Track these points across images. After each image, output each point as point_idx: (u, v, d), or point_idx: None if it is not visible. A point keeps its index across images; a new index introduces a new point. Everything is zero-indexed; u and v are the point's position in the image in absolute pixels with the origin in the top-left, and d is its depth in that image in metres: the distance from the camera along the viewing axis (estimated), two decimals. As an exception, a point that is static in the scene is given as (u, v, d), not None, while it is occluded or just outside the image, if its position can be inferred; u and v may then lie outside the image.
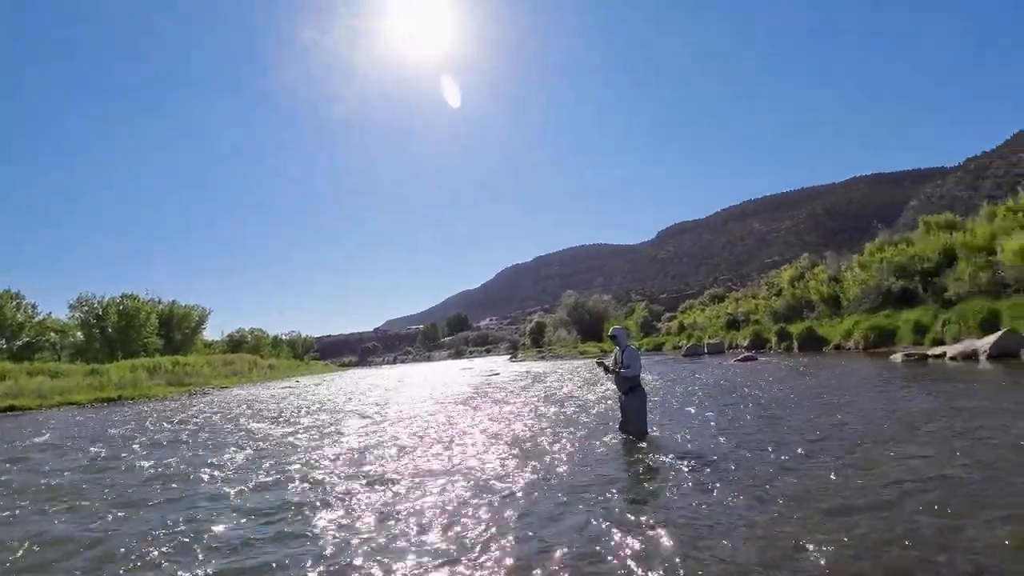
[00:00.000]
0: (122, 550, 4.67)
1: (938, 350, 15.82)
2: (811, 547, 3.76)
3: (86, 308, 54.97)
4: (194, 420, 15.53)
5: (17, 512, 6.20)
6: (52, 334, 51.39)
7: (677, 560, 3.76)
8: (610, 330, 8.53)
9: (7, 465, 9.46)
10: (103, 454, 10.05)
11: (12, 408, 22.95)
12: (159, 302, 61.67)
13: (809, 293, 29.66)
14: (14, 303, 46.82)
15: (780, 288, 34.52)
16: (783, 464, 5.94)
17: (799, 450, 6.43)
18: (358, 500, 5.80)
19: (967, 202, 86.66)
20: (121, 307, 55.82)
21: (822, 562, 3.54)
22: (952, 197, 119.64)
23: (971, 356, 14.10)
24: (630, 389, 7.91)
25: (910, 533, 3.85)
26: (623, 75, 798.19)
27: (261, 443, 10.15)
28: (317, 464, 7.79)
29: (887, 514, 4.23)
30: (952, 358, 14.59)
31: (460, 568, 3.91)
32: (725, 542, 4.01)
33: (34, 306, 49.17)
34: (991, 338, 13.94)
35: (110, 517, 5.74)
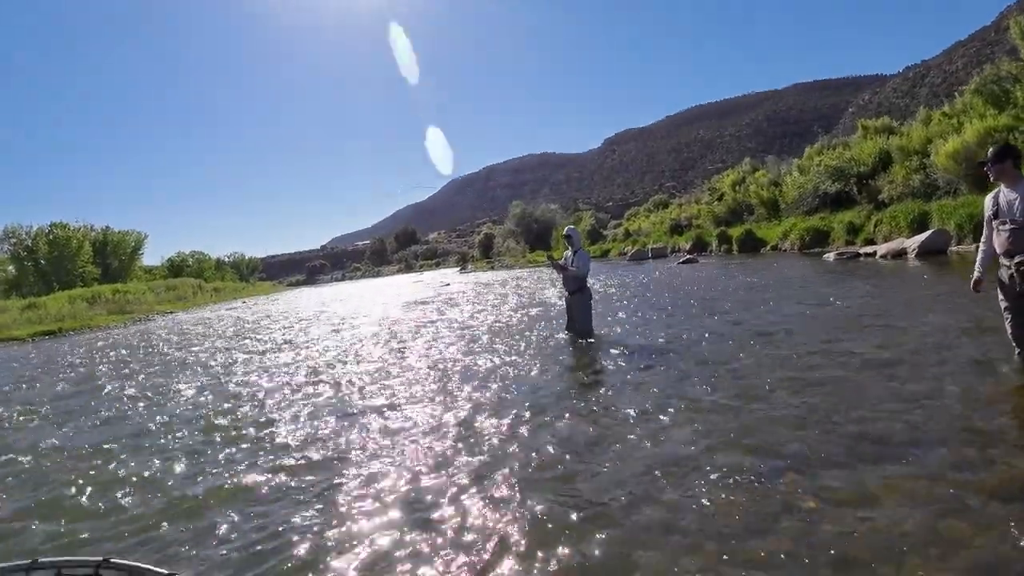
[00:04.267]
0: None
1: (869, 249, 16.40)
2: (748, 423, 4.12)
3: (14, 240, 52.42)
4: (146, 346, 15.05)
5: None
6: None
7: (616, 443, 4.06)
8: (564, 229, 8.79)
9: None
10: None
11: None
12: (91, 229, 58.64)
13: (750, 197, 30.13)
14: None
15: (722, 193, 34.93)
16: (717, 351, 6.44)
17: (729, 341, 6.92)
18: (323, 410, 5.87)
19: (904, 110, 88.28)
20: (51, 236, 53.15)
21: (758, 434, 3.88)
22: (890, 104, 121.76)
23: (900, 254, 14.66)
24: (577, 290, 8.21)
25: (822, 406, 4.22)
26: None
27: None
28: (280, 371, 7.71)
29: (801, 391, 4.69)
30: (882, 256, 15.15)
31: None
32: (663, 418, 4.46)
33: None
34: (920, 237, 14.47)
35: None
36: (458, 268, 77.54)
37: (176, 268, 77.78)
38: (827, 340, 6.20)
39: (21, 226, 52.58)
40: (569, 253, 8.31)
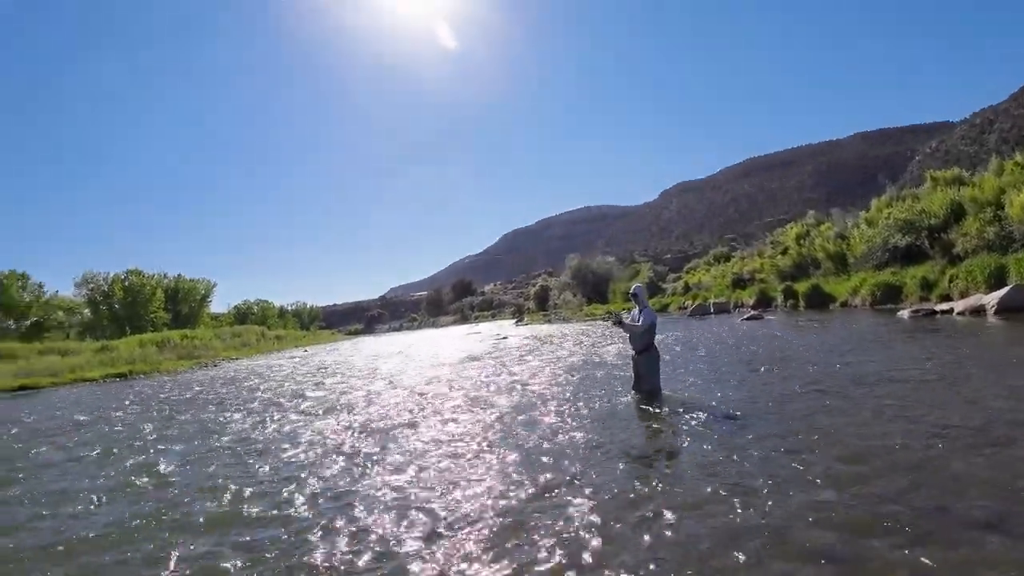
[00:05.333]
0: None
1: (945, 306, 15.92)
2: (822, 491, 4.01)
3: (92, 285, 55.44)
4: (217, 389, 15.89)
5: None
6: (60, 312, 51.80)
7: (694, 508, 4.00)
8: (632, 287, 8.50)
9: (102, 427, 9.78)
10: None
11: (24, 387, 22.92)
12: (164, 277, 62.00)
13: (815, 251, 29.62)
14: (20, 283, 46.94)
15: (786, 246, 34.44)
16: (793, 414, 6.23)
17: (809, 402, 6.71)
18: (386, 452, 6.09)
19: (973, 157, 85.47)
20: (126, 283, 56.21)
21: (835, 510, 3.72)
22: (958, 151, 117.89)
23: (979, 311, 14.20)
24: (644, 348, 7.98)
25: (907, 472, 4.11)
26: (624, 36, 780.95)
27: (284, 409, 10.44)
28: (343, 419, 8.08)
29: (891, 458, 4.53)
30: (960, 313, 14.69)
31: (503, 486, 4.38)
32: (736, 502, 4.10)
33: (40, 285, 49.54)
34: (998, 293, 14.01)
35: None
36: (514, 320, 77.74)
37: (242, 315, 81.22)
38: (916, 409, 5.89)
39: (99, 273, 56.07)
40: (636, 311, 8.14)
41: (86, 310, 55.28)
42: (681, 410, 7.05)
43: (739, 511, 3.84)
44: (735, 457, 4.96)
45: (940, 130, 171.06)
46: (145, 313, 55.73)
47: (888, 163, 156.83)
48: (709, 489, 4.28)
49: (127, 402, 14.54)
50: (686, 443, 5.66)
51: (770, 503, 3.91)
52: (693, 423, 6.36)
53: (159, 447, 8.01)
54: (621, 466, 5.15)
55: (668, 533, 3.65)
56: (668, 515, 3.90)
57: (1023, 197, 16.31)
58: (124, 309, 55.12)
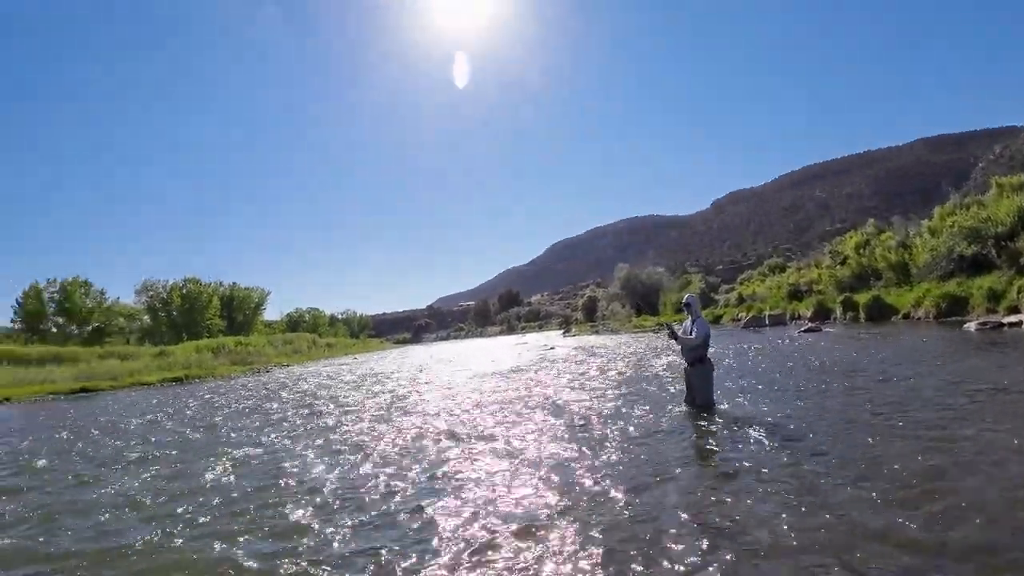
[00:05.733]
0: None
1: (1013, 318, 15.40)
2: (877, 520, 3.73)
3: (151, 293, 57.83)
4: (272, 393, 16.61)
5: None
6: (120, 319, 53.88)
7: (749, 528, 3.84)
8: (685, 297, 8.32)
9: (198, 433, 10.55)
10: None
11: (84, 389, 23.89)
12: (220, 285, 64.37)
13: (876, 261, 28.84)
14: (82, 290, 49.24)
15: (845, 256, 33.60)
16: (855, 435, 5.82)
17: (874, 422, 6.32)
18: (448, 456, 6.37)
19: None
20: (184, 291, 58.48)
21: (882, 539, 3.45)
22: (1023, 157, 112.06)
23: (1051, 324, 13.71)
24: (697, 360, 7.80)
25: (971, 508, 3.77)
26: (673, 38, 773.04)
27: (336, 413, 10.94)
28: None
29: (955, 484, 4.18)
30: (1030, 326, 14.20)
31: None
32: (794, 506, 4.08)
33: (102, 292, 51.71)
34: (1073, 305, 13.51)
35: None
36: (561, 331, 77.60)
37: (294, 323, 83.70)
38: (997, 441, 5.16)
39: (158, 281, 58.59)
40: (688, 322, 7.96)
41: (145, 316, 57.71)
42: (736, 426, 6.74)
43: (795, 535, 3.62)
44: (792, 480, 4.64)
45: (1005, 135, 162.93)
46: (201, 320, 58.00)
47: (951, 169, 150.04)
48: (768, 508, 4.10)
49: (218, 404, 15.39)
50: (741, 460, 5.36)
51: (827, 527, 3.69)
52: (749, 440, 6.05)
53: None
54: (673, 482, 4.94)
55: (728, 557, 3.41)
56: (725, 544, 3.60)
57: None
58: (181, 316, 57.51)
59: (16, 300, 46.63)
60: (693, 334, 7.76)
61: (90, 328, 49.32)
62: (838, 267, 33.14)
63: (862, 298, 25.94)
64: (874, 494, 4.15)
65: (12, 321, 47.33)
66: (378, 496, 5.33)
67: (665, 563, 3.44)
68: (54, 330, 47.83)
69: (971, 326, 16.03)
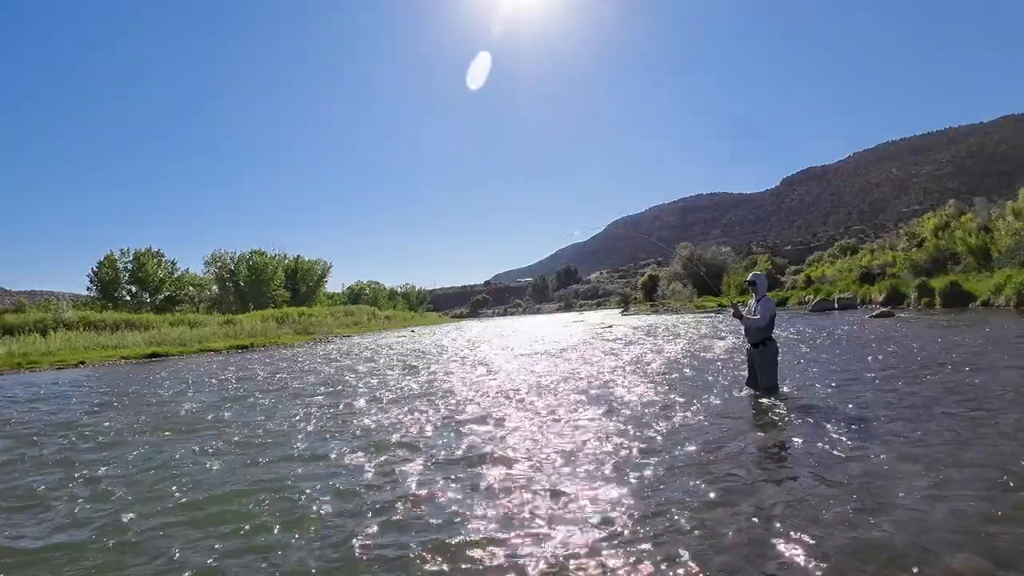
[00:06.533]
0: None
1: (1107, 308, 14.56)
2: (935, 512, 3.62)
3: (219, 264, 60.15)
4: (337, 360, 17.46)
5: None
6: (191, 288, 55.69)
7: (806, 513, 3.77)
8: (749, 275, 7.99)
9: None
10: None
11: (155, 355, 24.72)
12: (285, 257, 66.56)
13: (955, 244, 27.52)
14: (155, 260, 51.22)
15: (922, 238, 32.15)
16: (930, 428, 5.56)
17: (940, 410, 6.12)
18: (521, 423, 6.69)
19: None
20: (251, 262, 60.72)
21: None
22: None
23: None
24: (761, 342, 7.53)
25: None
26: (746, 7, 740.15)
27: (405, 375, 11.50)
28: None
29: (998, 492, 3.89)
30: (1123, 317, 13.43)
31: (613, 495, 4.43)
32: (855, 498, 3.95)
33: (174, 262, 53.56)
34: None
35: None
36: (620, 309, 77.13)
37: (354, 296, 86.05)
38: None
39: (226, 252, 60.92)
40: (753, 301, 7.68)
41: (214, 286, 59.84)
42: (801, 411, 6.54)
43: (863, 530, 3.48)
44: (862, 472, 4.43)
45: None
46: (267, 290, 60.02)
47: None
48: (831, 504, 3.91)
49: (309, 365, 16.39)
50: (805, 448, 5.19)
51: (896, 525, 3.51)
52: (814, 426, 5.85)
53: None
54: (736, 471, 4.72)
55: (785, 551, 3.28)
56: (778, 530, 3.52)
57: None
58: (248, 286, 59.69)
59: (92, 269, 48.84)
60: (757, 314, 7.52)
61: (162, 296, 51.25)
62: (914, 250, 31.77)
63: (938, 283, 24.84)
64: (949, 500, 3.80)
65: (88, 289, 49.75)
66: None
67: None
68: (127, 298, 49.74)
69: (1057, 315, 15.25)
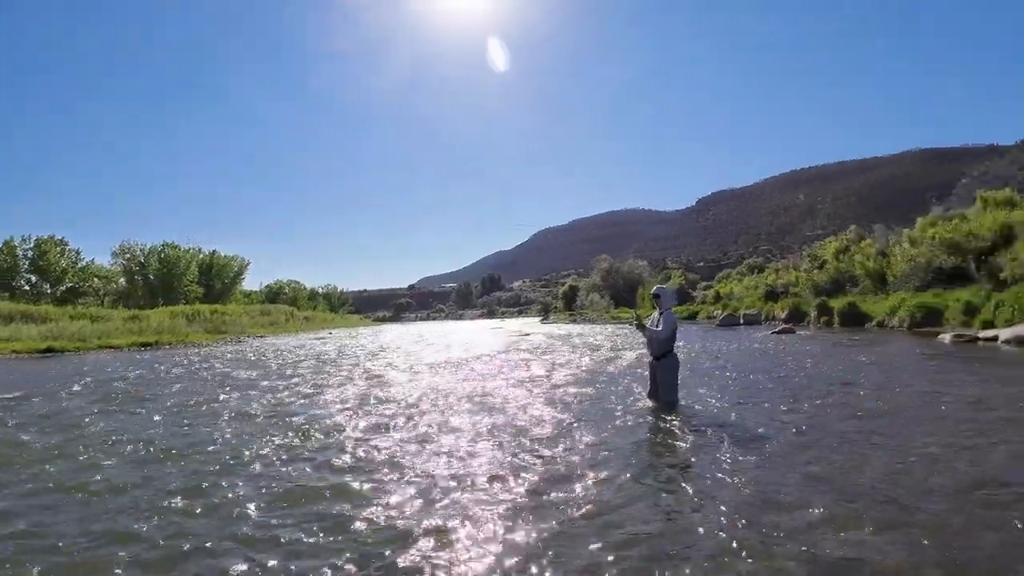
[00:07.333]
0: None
1: (989, 333, 15.12)
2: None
3: (128, 256, 56.50)
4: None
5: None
6: (96, 280, 52.85)
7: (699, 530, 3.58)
8: (653, 288, 7.98)
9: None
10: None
11: (50, 349, 23.26)
12: (199, 251, 63.04)
13: (854, 267, 28.66)
14: (58, 249, 48.11)
15: (823, 260, 33.45)
16: (821, 441, 5.63)
17: (833, 428, 6.16)
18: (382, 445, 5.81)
19: (1023, 182, 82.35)
20: (162, 255, 57.27)
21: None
22: (1007, 176, 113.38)
23: (1027, 341, 13.42)
24: (663, 355, 7.52)
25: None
26: (668, 39, 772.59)
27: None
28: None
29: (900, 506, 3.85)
30: (1006, 342, 13.92)
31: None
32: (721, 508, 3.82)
33: (78, 252, 50.47)
34: (1051, 324, 13.22)
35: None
36: (540, 318, 77.78)
37: (272, 295, 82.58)
38: (952, 452, 5.09)
39: (136, 243, 57.18)
40: (656, 314, 7.65)
41: (121, 279, 56.41)
42: (696, 425, 6.57)
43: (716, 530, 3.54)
44: (750, 497, 4.23)
45: (990, 154, 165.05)
46: (179, 286, 56.80)
47: (940, 184, 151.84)
48: (701, 515, 3.86)
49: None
50: (693, 460, 5.22)
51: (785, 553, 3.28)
52: (707, 439, 5.91)
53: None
54: (621, 476, 4.75)
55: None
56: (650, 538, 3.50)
57: (1082, 224, 15.35)
58: (158, 280, 56.27)
59: (-11, 255, 45.23)
60: (660, 327, 7.45)
61: (63, 288, 48.28)
62: (816, 271, 33.00)
63: (837, 303, 25.76)
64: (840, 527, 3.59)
65: (-17, 276, 45.88)
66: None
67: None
68: (26, 288, 46.75)
69: (946, 338, 15.77)
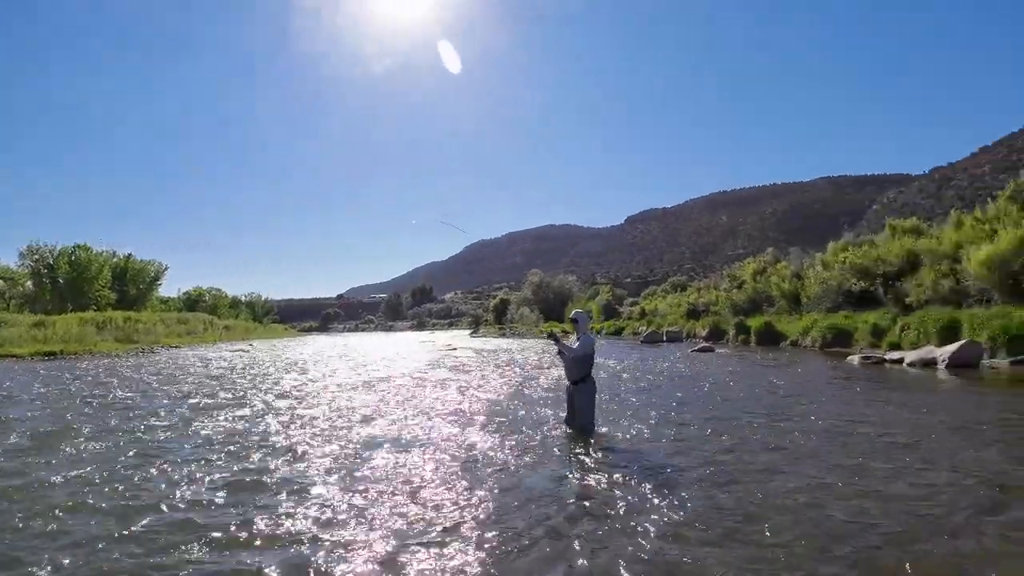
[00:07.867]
0: None
1: (895, 354, 15.61)
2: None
3: (36, 257, 52.76)
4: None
5: None
6: (0, 282, 49.09)
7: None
8: (572, 313, 7.89)
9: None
10: None
11: None
12: (113, 255, 59.26)
13: (770, 288, 29.54)
14: None
15: (742, 281, 34.42)
16: (728, 471, 5.47)
17: (747, 457, 5.99)
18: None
19: (930, 211, 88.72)
20: (73, 257, 53.64)
21: None
22: (915, 204, 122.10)
23: (930, 363, 13.86)
24: (580, 379, 7.32)
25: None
26: (604, 62, 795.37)
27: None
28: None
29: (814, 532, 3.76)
30: (911, 364, 14.35)
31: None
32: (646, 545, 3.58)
33: None
34: (951, 347, 13.69)
35: None
36: (470, 331, 77.21)
37: (191, 302, 78.40)
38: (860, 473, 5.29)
39: (45, 244, 53.15)
40: (574, 338, 7.53)
41: (28, 282, 52.48)
42: (610, 453, 6.33)
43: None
44: (654, 506, 4.40)
45: (900, 182, 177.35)
46: (90, 291, 53.11)
47: (852, 210, 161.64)
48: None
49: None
50: (604, 488, 5.03)
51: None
52: (621, 467, 5.70)
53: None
54: (530, 508, 4.55)
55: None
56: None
57: (982, 253, 16.12)
58: (68, 284, 52.55)
59: None
60: (574, 347, 7.32)
61: None
62: (735, 291, 33.87)
63: (755, 323, 26.44)
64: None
65: None
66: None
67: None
68: None
69: (854, 359, 16.19)
